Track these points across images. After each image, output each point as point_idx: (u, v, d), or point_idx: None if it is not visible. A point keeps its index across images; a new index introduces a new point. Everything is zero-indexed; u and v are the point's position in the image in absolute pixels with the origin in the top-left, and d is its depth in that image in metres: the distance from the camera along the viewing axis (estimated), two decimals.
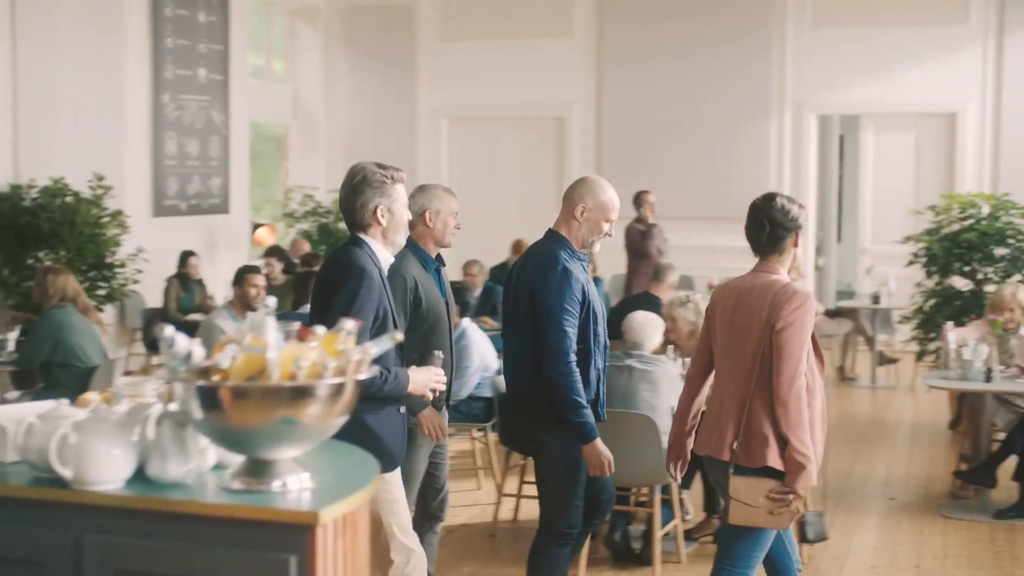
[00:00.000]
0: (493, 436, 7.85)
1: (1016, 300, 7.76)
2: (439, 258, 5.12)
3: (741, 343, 4.24)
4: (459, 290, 7.90)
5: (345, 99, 15.96)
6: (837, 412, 10.55)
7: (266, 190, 16.34)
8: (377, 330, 4.09)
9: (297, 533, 2.67)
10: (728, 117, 14.35)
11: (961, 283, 9.72)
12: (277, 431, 2.74)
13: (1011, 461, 7.34)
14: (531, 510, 7.27)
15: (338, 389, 2.75)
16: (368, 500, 2.92)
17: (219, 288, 12.22)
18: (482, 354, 7.76)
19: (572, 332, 4.65)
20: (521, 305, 4.80)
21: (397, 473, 4.40)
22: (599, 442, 4.74)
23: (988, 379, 7.26)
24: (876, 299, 11.71)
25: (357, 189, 4.37)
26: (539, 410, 4.78)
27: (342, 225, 14.73)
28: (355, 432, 3.95)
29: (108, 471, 2.83)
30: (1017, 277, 9.27)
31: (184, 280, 11.57)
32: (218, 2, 13.61)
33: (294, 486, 2.79)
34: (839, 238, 17.47)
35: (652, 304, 8.69)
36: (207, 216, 13.65)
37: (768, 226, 4.33)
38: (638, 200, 11.98)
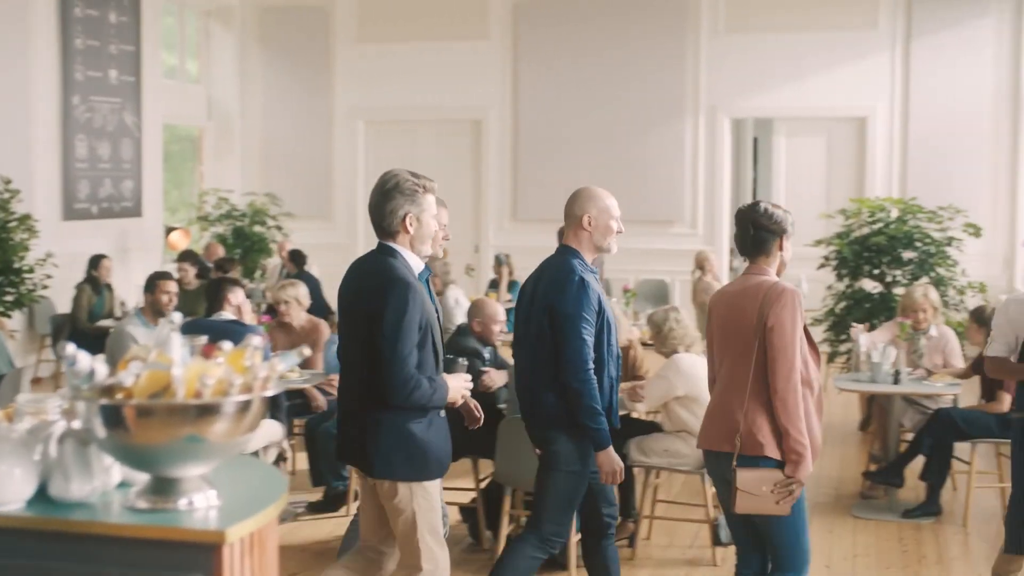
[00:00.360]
0: None
1: (928, 301, 7.90)
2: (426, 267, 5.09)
3: (737, 343, 4.43)
4: None
5: (261, 100, 15.82)
6: None
7: (181, 192, 16.15)
8: (421, 340, 4.23)
9: (203, 552, 2.64)
10: (643, 120, 14.47)
11: (871, 285, 9.88)
12: (183, 449, 2.71)
13: (919, 461, 7.48)
14: (454, 515, 7.28)
15: (245, 406, 2.72)
16: (274, 519, 2.89)
17: (132, 294, 12.05)
18: None
19: (590, 341, 4.74)
20: (535, 316, 4.87)
21: (438, 481, 4.49)
22: (612, 450, 4.81)
23: (896, 381, 7.39)
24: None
25: (388, 195, 4.41)
26: (552, 417, 4.86)
27: (258, 228, 14.65)
28: (402, 441, 4.27)
29: (8, 491, 2.77)
30: (924, 279, 9.44)
31: (95, 284, 11.37)
32: (129, 2, 13.42)
33: (201, 504, 2.76)
34: None
35: None
36: (119, 220, 13.45)
37: (752, 229, 4.50)
38: None
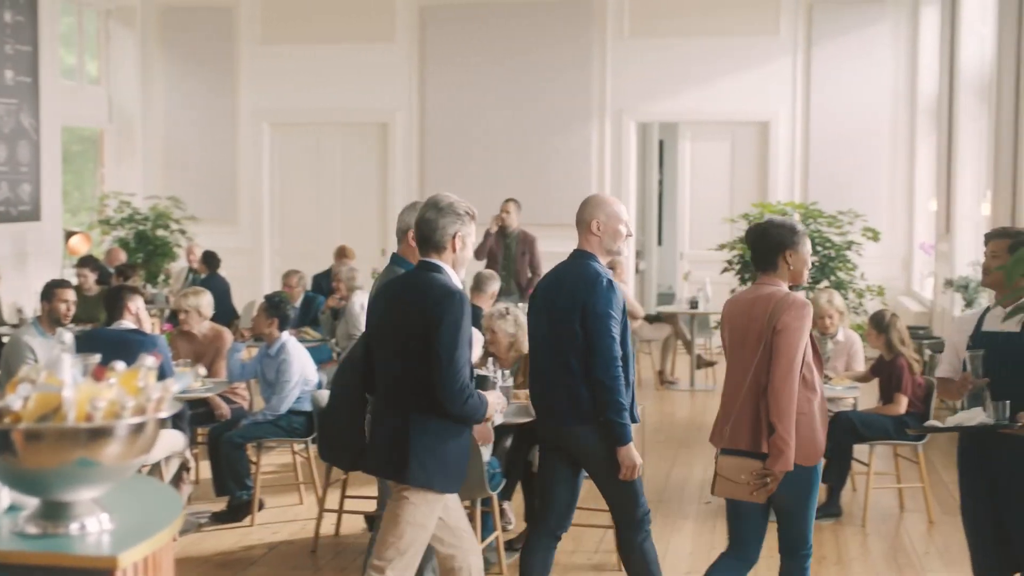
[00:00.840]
0: (314, 450, 7.74)
1: (833, 306, 8.05)
2: None
3: (744, 345, 4.76)
4: (277, 303, 7.77)
5: (163, 102, 15.58)
6: (657, 416, 10.78)
7: (81, 195, 15.85)
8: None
9: None
10: (550, 123, 14.53)
11: None
12: (74, 473, 2.66)
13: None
14: (353, 524, 7.24)
15: (138, 428, 2.67)
16: (169, 542, 2.84)
17: (31, 301, 11.79)
18: (302, 368, 7.66)
19: (618, 339, 4.98)
20: (561, 318, 5.04)
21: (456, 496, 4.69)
22: (632, 445, 5.00)
23: None
24: (694, 304, 12.01)
25: (443, 212, 4.59)
26: (589, 413, 5.02)
27: (161, 232, 14.43)
28: (440, 454, 4.50)
29: None
30: (824, 283, 9.60)
31: None
32: (26, 1, 13.12)
33: (93, 528, 2.71)
34: (660, 241, 17.86)
35: (473, 314, 8.73)
36: (17, 224, 13.15)
37: (757, 246, 4.86)
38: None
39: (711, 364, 12.19)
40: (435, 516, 4.59)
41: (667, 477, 8.58)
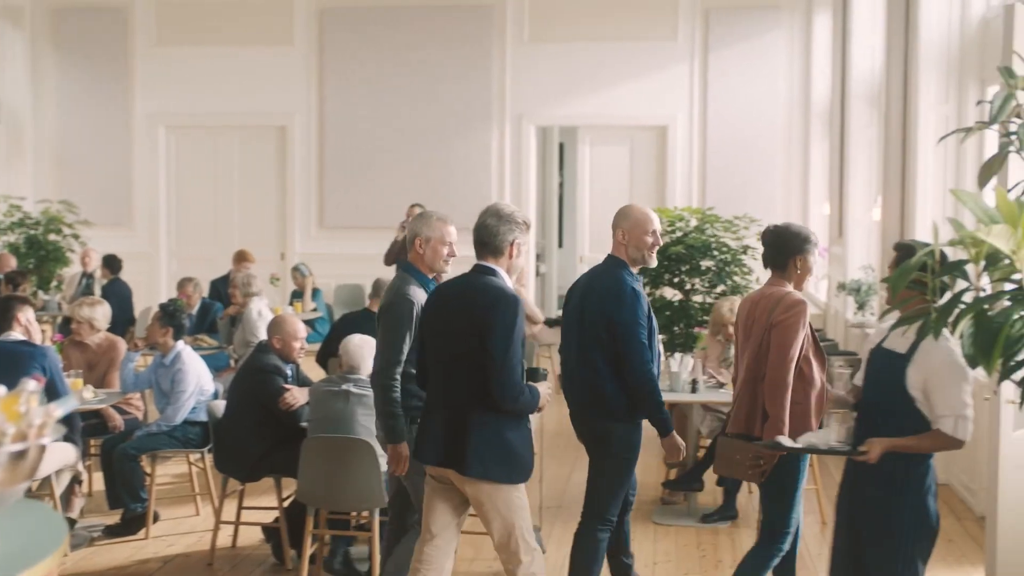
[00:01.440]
0: (210, 461, 7.64)
1: (734, 314, 8.15)
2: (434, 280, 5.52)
3: (748, 339, 5.17)
4: (172, 312, 7.65)
5: (54, 104, 15.27)
6: (557, 421, 10.81)
7: None
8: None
9: None
10: (450, 127, 14.53)
11: (671, 294, 10.10)
12: None
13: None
14: (250, 536, 7.16)
15: (19, 455, 2.61)
16: (53, 568, 2.78)
17: None
18: (198, 377, 7.55)
19: (646, 343, 5.39)
20: (590, 321, 5.49)
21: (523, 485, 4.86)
22: (675, 433, 5.50)
23: (694, 390, 7.58)
24: None
25: (504, 220, 4.92)
26: (611, 410, 5.46)
27: (53, 237, 14.13)
28: (498, 445, 4.70)
29: None
30: (721, 287, 9.70)
31: None
32: None
33: None
34: (560, 243, 17.95)
35: (371, 321, 8.69)
36: None
37: (770, 248, 5.23)
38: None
39: None
40: (516, 499, 4.76)
41: (567, 482, 8.61)
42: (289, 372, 6.84)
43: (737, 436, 5.21)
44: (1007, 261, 3.69)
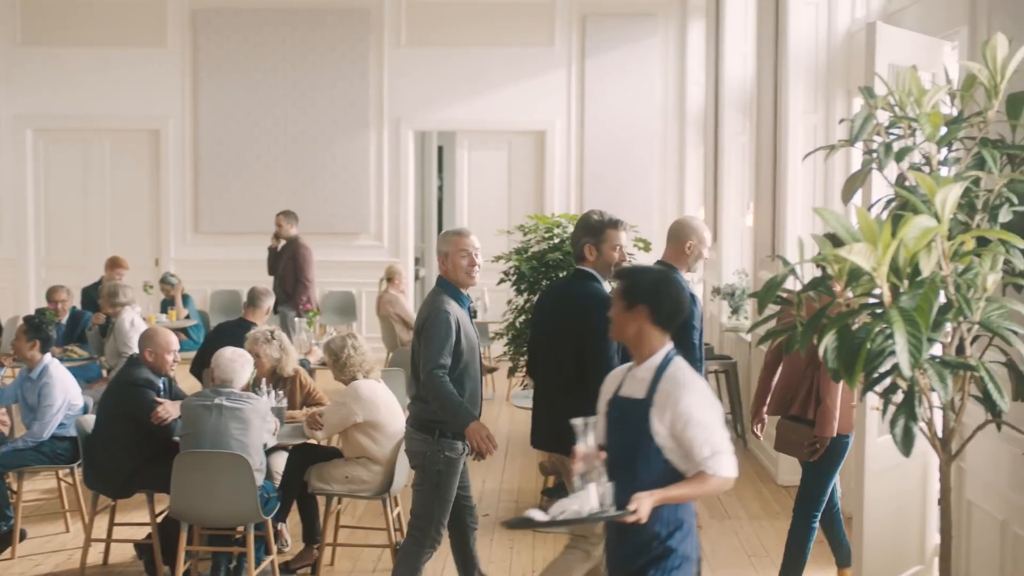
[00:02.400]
0: (80, 476, 7.46)
1: None
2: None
3: None
4: (37, 325, 7.45)
5: None
6: None
7: None
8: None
9: None
10: (328, 132, 14.41)
11: None
12: None
13: None
14: (122, 553, 7.01)
15: None
16: None
17: None
18: (66, 391, 7.37)
19: (699, 343, 5.77)
20: None
21: None
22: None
23: None
24: (473, 314, 12.04)
25: (578, 225, 5.60)
26: None
27: None
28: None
29: None
30: None
31: None
32: None
33: None
34: None
35: (247, 330, 8.57)
36: None
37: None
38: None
39: (492, 370, 12.27)
40: None
41: (480, 491, 8.56)
42: (162, 385, 6.72)
43: (793, 419, 5.83)
44: (868, 277, 3.79)
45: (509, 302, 10.21)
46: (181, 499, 6.13)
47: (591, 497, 3.75)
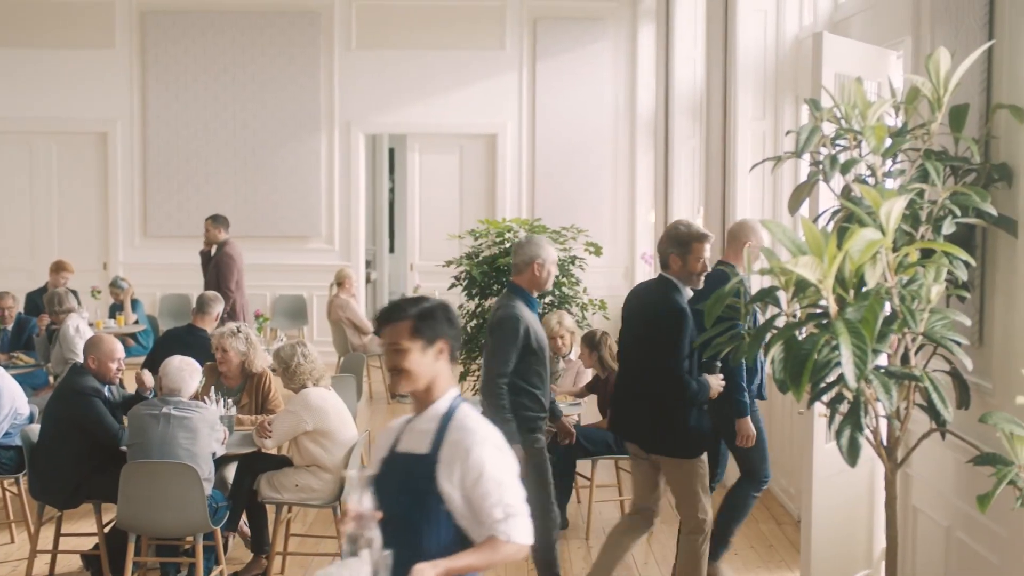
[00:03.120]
0: (25, 486, 7.37)
1: (563, 327, 8.26)
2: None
3: None
4: None
5: None
6: None
7: None
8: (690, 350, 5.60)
9: None
10: (278, 135, 14.33)
11: None
12: None
13: None
14: (68, 564, 6.94)
15: None
16: None
17: None
18: (12, 400, 7.28)
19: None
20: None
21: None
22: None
23: None
24: None
25: (663, 236, 5.85)
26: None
27: None
28: (677, 427, 5.70)
29: None
30: (549, 297, 9.78)
31: None
32: None
33: None
34: (392, 249, 17.91)
35: (196, 337, 8.53)
36: None
37: None
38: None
39: None
40: (694, 475, 5.77)
41: None
42: (108, 393, 6.66)
43: None
44: (814, 288, 3.82)
45: (460, 307, 10.21)
46: (129, 509, 6.07)
47: (363, 567, 3.20)
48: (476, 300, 10.04)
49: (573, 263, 9.97)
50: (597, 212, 14.39)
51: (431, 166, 14.91)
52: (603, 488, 8.28)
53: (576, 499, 8.17)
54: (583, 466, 7.90)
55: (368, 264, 16.25)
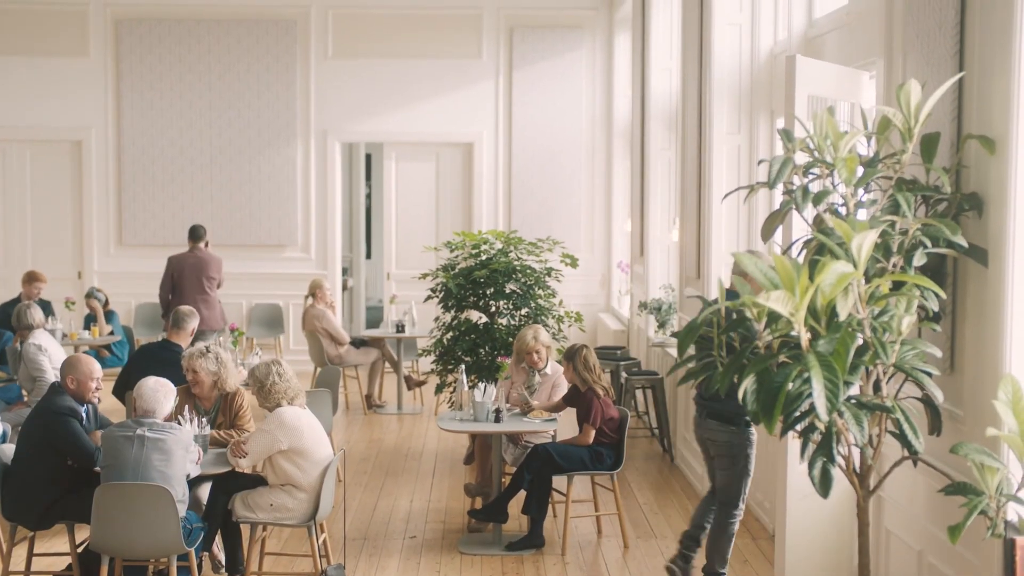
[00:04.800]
0: None
1: (539, 342, 8.26)
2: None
3: None
4: None
5: None
6: (364, 443, 10.78)
7: None
8: None
9: None
10: (254, 143, 14.29)
11: (476, 316, 10.16)
12: None
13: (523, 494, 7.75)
14: None
15: None
16: None
17: None
18: None
19: None
20: None
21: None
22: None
23: (498, 419, 7.63)
24: (400, 328, 12.06)
25: None
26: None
27: None
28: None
29: None
30: (525, 309, 9.79)
31: None
32: None
33: None
34: (368, 255, 17.88)
35: (171, 352, 8.49)
36: None
37: None
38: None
39: (421, 384, 12.25)
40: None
41: (373, 510, 8.56)
42: (84, 414, 6.62)
43: None
44: (785, 320, 3.84)
45: (436, 319, 10.22)
46: (102, 531, 6.04)
47: None
48: (452, 312, 10.05)
49: (549, 275, 9.99)
50: (574, 220, 14.41)
51: (408, 175, 14.89)
52: (579, 503, 8.28)
53: (552, 514, 8.17)
54: (559, 482, 7.90)
55: (345, 271, 16.23)
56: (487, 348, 9.78)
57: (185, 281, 11.87)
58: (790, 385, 3.80)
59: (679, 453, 9.83)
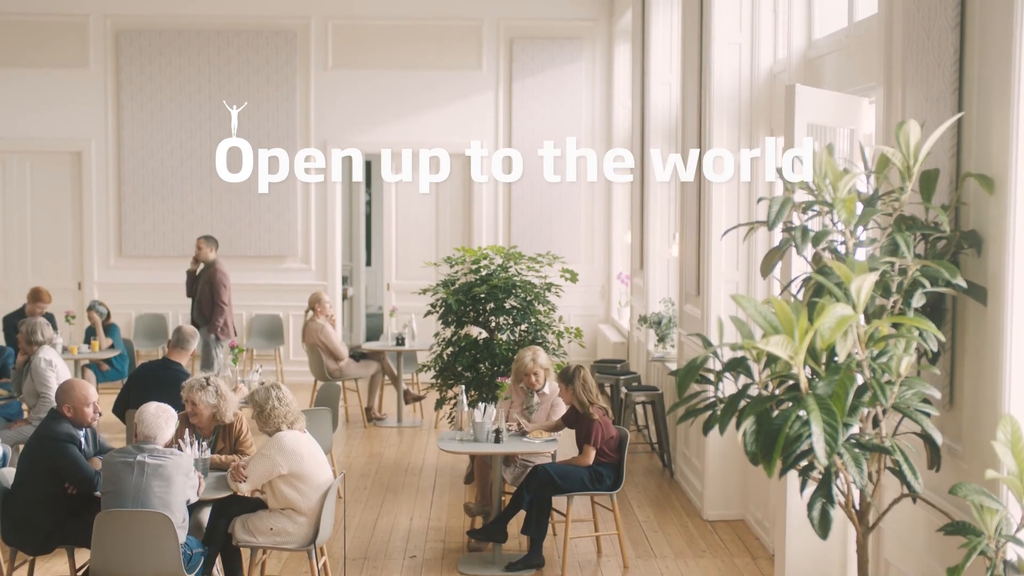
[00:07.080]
0: None
1: (537, 364, 8.26)
2: None
3: None
4: None
5: None
6: (365, 457, 10.77)
7: None
8: None
9: None
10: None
11: (476, 331, 10.16)
12: None
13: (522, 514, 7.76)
14: None
15: None
16: None
17: None
18: None
19: None
20: None
21: None
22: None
23: (498, 440, 7.63)
24: (400, 341, 12.06)
25: None
26: None
27: None
28: None
29: None
30: (525, 324, 9.79)
31: None
32: None
33: None
34: (369, 262, 17.89)
35: (171, 371, 8.51)
36: None
37: None
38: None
39: (420, 398, 12.26)
40: None
41: (373, 529, 8.55)
42: (83, 439, 6.62)
43: None
44: (784, 361, 3.84)
45: (436, 334, 10.21)
46: (102, 558, 6.05)
47: None
48: (452, 328, 10.05)
49: (549, 290, 9.99)
50: (574, 231, 14.42)
51: (408, 185, 14.88)
52: (579, 523, 8.29)
53: (552, 533, 8.17)
54: (559, 502, 7.91)
55: (345, 280, 16.24)
56: (487, 364, 9.77)
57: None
58: (789, 428, 3.80)
59: (679, 468, 9.82)
